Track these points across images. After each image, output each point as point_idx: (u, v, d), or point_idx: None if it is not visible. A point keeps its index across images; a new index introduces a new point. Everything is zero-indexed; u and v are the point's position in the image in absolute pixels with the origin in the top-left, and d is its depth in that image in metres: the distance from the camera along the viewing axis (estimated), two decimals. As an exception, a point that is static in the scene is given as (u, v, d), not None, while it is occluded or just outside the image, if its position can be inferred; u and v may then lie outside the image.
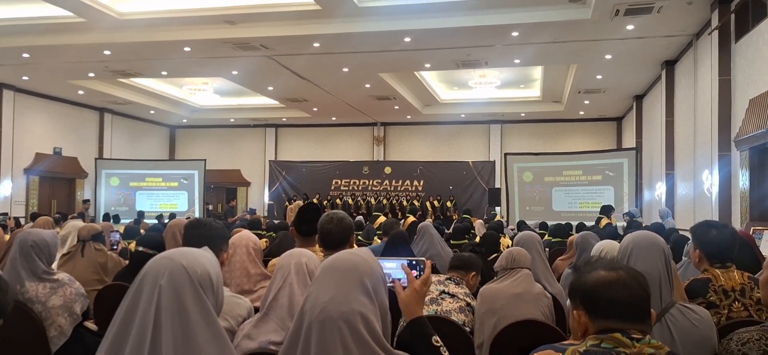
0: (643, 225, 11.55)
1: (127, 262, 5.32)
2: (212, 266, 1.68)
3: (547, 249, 8.28)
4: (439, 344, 2.01)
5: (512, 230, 12.73)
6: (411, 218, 11.03)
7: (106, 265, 5.06)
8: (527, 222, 13.25)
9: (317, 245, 3.55)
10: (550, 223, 11.99)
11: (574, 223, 11.60)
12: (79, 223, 6.35)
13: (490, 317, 3.64)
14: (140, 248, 4.39)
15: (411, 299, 2.07)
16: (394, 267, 2.23)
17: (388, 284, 2.18)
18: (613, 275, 1.78)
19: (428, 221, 8.70)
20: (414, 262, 2.18)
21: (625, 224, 12.81)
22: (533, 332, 3.26)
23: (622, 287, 1.75)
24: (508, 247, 8.37)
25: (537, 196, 19.42)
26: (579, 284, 1.82)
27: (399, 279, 2.16)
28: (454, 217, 20.59)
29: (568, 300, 3.63)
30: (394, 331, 2.08)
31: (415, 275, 2.14)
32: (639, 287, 1.77)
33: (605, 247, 4.27)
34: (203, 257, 1.69)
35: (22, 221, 15.12)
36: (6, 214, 16.18)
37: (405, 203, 23.11)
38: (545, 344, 1.76)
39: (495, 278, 3.97)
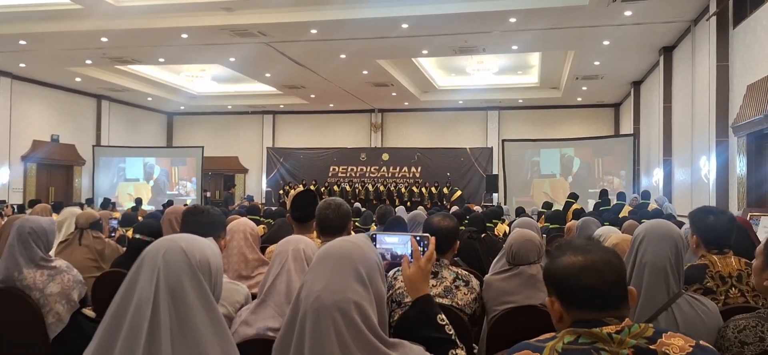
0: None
1: (124, 249, 5.32)
2: (213, 255, 1.67)
3: (544, 235, 8.31)
4: (443, 323, 2.01)
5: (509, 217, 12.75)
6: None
7: (103, 252, 5.06)
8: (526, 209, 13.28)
9: (314, 232, 3.55)
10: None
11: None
12: (76, 210, 6.34)
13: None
14: (137, 236, 4.39)
15: (416, 276, 2.07)
16: (396, 242, 2.22)
17: (396, 256, 2.19)
18: (582, 259, 1.66)
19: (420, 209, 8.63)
20: (418, 238, 2.16)
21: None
22: (531, 320, 3.25)
23: (593, 274, 1.63)
24: (505, 234, 8.36)
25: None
26: (549, 270, 1.73)
27: (399, 254, 2.17)
28: (448, 205, 20.65)
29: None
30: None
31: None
32: (611, 271, 1.64)
33: (604, 233, 4.26)
34: (205, 244, 1.69)
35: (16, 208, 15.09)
36: (4, 201, 16.18)
37: (403, 189, 23.12)
38: (523, 341, 1.68)
39: (499, 271, 3.67)
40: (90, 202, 18.30)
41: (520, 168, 20.32)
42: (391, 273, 3.24)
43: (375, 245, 2.21)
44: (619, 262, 1.68)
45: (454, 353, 1.96)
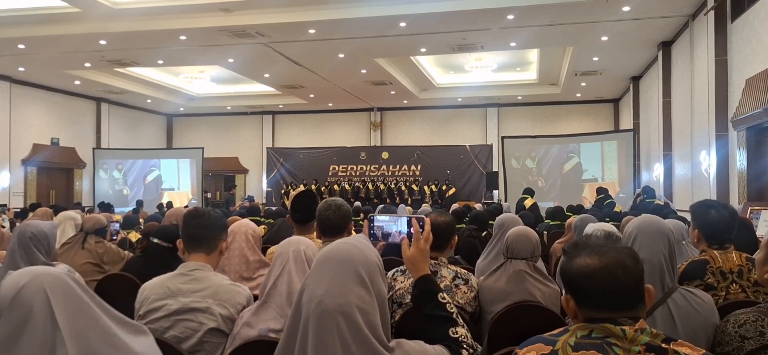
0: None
1: (126, 252, 5.32)
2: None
3: (544, 232, 8.32)
4: (445, 301, 2.06)
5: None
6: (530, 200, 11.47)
7: (104, 256, 5.06)
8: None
9: (315, 233, 3.55)
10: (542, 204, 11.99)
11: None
12: (72, 214, 6.35)
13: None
14: (155, 240, 4.30)
15: (416, 257, 2.14)
16: (386, 220, 2.28)
17: (386, 235, 2.23)
18: (597, 262, 1.65)
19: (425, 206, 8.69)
20: (413, 219, 2.21)
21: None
22: (531, 317, 3.26)
23: (607, 278, 1.63)
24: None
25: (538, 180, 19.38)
26: (564, 270, 1.74)
27: (388, 232, 2.24)
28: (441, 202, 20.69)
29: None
30: None
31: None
32: (626, 274, 1.64)
33: (598, 230, 4.24)
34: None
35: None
36: (8, 208, 16.20)
37: (403, 187, 23.13)
38: (536, 336, 1.70)
39: (490, 271, 3.67)
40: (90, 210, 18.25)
41: (557, 168, 19.50)
42: (390, 274, 3.26)
43: (372, 224, 2.31)
44: (635, 264, 1.67)
45: (454, 330, 1.98)
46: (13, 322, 1.43)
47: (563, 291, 1.77)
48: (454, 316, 2.03)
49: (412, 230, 2.18)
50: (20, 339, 1.42)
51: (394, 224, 2.28)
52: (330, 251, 1.71)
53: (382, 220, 2.30)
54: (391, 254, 4.21)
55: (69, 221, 6.02)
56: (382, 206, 11.55)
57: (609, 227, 4.30)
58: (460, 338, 1.97)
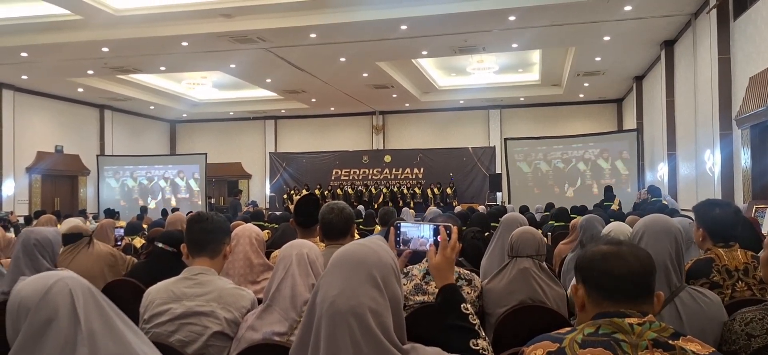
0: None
1: (129, 257, 5.31)
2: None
3: (549, 233, 8.29)
4: (467, 312, 2.03)
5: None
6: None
7: (108, 261, 5.04)
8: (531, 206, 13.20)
9: (318, 236, 3.56)
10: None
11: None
12: (76, 221, 6.34)
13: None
14: (160, 245, 4.30)
15: (442, 265, 2.12)
16: (409, 226, 2.25)
17: (406, 242, 2.21)
18: (613, 248, 1.71)
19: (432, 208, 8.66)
20: (440, 227, 2.19)
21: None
22: (536, 318, 3.24)
23: (618, 260, 1.66)
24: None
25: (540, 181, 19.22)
26: (580, 257, 1.77)
27: (409, 238, 2.21)
28: (454, 203, 20.63)
29: (569, 287, 3.57)
30: None
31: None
32: (638, 263, 1.67)
33: (614, 228, 4.24)
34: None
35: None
36: (11, 212, 16.24)
37: (405, 190, 23.11)
38: (543, 334, 1.70)
39: (494, 273, 3.62)
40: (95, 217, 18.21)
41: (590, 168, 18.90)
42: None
43: (399, 232, 2.26)
44: (648, 258, 1.70)
45: (475, 343, 1.97)
46: (38, 321, 1.48)
47: (576, 281, 1.78)
48: (476, 328, 2.01)
49: (439, 238, 2.15)
50: (44, 338, 1.48)
51: (416, 229, 2.24)
52: (344, 252, 1.70)
53: (406, 226, 2.28)
54: (414, 262, 4.17)
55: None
56: (406, 209, 11.54)
57: (626, 228, 4.29)
58: (480, 351, 1.95)
